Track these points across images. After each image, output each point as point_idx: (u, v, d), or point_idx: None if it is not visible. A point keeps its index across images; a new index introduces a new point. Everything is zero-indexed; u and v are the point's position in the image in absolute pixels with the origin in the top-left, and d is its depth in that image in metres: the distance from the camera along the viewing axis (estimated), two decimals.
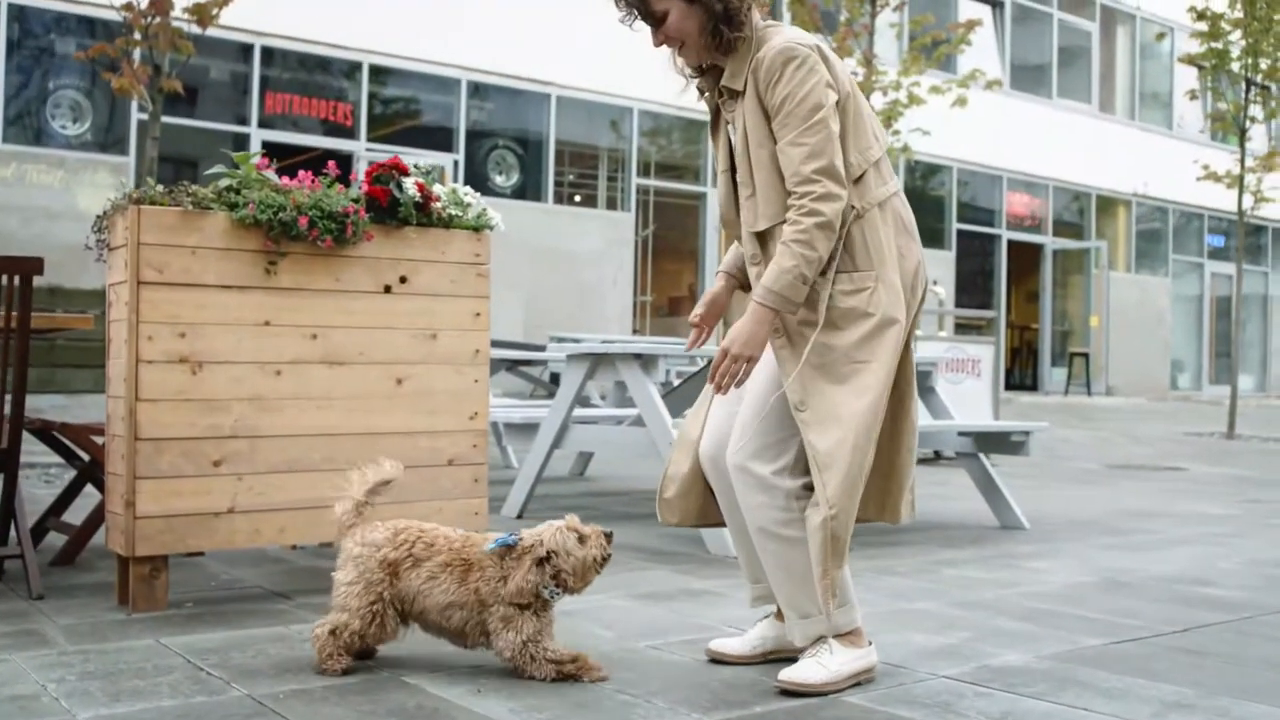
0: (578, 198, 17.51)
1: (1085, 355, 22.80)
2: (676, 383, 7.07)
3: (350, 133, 14.81)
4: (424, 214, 4.18)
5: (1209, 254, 26.87)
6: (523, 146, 16.66)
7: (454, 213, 4.26)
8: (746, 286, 3.20)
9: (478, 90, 16.14)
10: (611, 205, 17.78)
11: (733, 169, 3.13)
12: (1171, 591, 4.41)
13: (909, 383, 3.10)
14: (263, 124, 14.04)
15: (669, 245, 18.87)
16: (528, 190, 16.64)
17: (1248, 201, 16.49)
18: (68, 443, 4.72)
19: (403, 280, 4.13)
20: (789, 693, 2.91)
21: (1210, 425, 17.34)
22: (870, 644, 3.08)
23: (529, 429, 6.55)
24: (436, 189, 4.24)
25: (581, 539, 3.06)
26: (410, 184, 4.12)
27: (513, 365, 8.95)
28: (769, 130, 2.98)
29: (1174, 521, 6.51)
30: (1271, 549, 5.54)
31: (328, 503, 3.96)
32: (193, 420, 3.74)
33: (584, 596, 4.04)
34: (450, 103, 15.85)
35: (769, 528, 2.99)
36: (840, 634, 3.03)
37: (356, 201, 4.02)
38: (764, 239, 3.01)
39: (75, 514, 4.83)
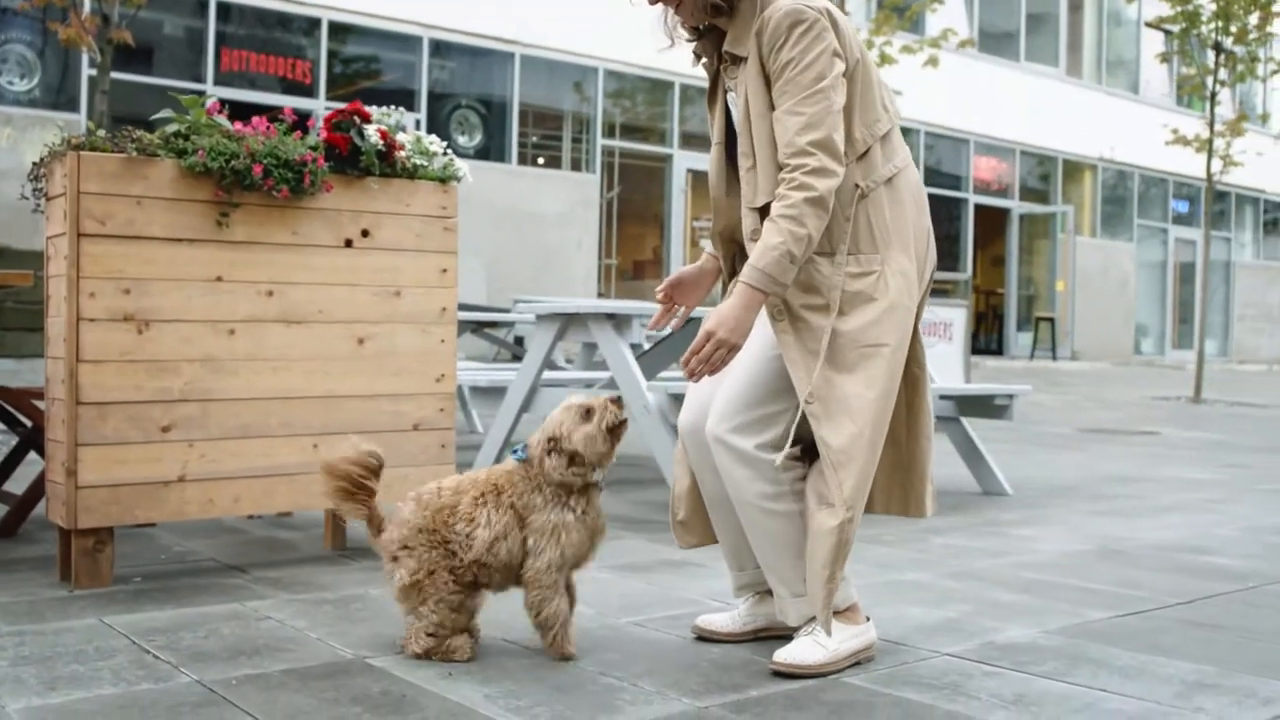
0: (541, 160, 17.20)
1: (1051, 320, 22.74)
2: (647, 346, 6.86)
3: (309, 91, 14.42)
4: (387, 164, 3.92)
5: (1173, 219, 26.87)
6: (486, 106, 16.33)
7: (419, 162, 4.00)
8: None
9: (439, 49, 15.77)
10: (576, 167, 17.49)
11: (728, 142, 2.90)
12: (1171, 560, 4.24)
13: (921, 367, 2.89)
14: (219, 82, 13.62)
15: (635, 208, 18.61)
16: (491, 151, 16.31)
17: (1216, 166, 16.41)
18: (8, 408, 4.45)
19: (364, 234, 3.88)
20: (785, 674, 2.70)
21: (1176, 390, 17.34)
22: (868, 620, 2.88)
23: (495, 393, 6.31)
24: (400, 137, 3.99)
25: (588, 412, 2.81)
26: (372, 131, 3.86)
27: (478, 327, 8.69)
28: (772, 99, 2.75)
29: (1158, 487, 6.37)
30: (1268, 515, 5.40)
31: (285, 470, 3.73)
32: (139, 383, 3.48)
33: None
34: (412, 61, 15.48)
35: (755, 502, 2.77)
36: (836, 611, 2.82)
37: (315, 149, 3.76)
38: (765, 214, 2.77)
39: (18, 484, 4.56)
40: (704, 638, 3.02)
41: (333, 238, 3.81)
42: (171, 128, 3.61)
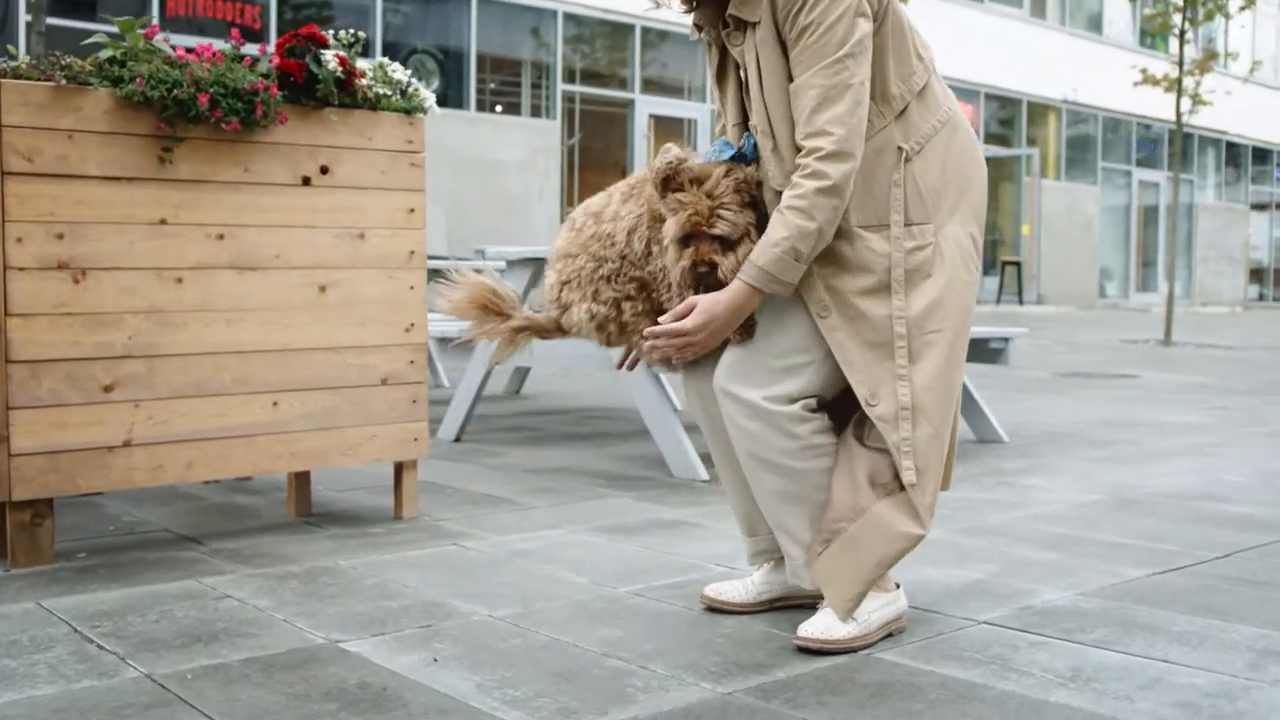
0: (499, 107, 16.76)
1: (1017, 264, 22.58)
2: None
3: (258, 38, 13.89)
4: (347, 93, 3.57)
5: (1137, 162, 26.75)
6: (442, 52, 15.85)
7: (382, 91, 3.65)
8: None
9: None
10: (536, 113, 17.06)
11: (745, 123, 2.56)
12: (1190, 510, 3.99)
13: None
14: (165, 28, 13.05)
15: (597, 155, 18.20)
16: (448, 98, 15.85)
17: (1185, 106, 16.19)
18: None
19: (324, 171, 3.53)
20: (812, 650, 2.42)
21: (1143, 332, 17.24)
22: (898, 586, 2.60)
23: (462, 345, 5.97)
24: (361, 64, 3.63)
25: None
26: (330, 57, 3.50)
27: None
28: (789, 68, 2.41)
29: (1152, 431, 6.14)
30: (1271, 460, 5.17)
31: (241, 430, 3.40)
32: (77, 338, 3.13)
33: (540, 533, 3.55)
34: (365, 6, 14.97)
35: (767, 456, 2.46)
36: None
37: (267, 77, 3.40)
38: None
39: None
40: (714, 609, 2.72)
41: (289, 175, 3.47)
42: (105, 54, 3.24)
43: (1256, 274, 31.59)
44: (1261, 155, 30.94)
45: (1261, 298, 31.51)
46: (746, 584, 2.74)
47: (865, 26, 2.36)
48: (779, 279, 2.36)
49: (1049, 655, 2.41)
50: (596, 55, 17.95)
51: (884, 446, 2.42)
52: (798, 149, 2.38)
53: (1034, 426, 6.28)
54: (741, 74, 2.54)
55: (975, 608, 2.75)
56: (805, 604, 2.71)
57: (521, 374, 8.01)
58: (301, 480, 3.84)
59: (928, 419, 2.41)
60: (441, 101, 15.76)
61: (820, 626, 2.44)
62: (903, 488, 2.41)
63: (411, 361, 3.74)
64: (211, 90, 3.25)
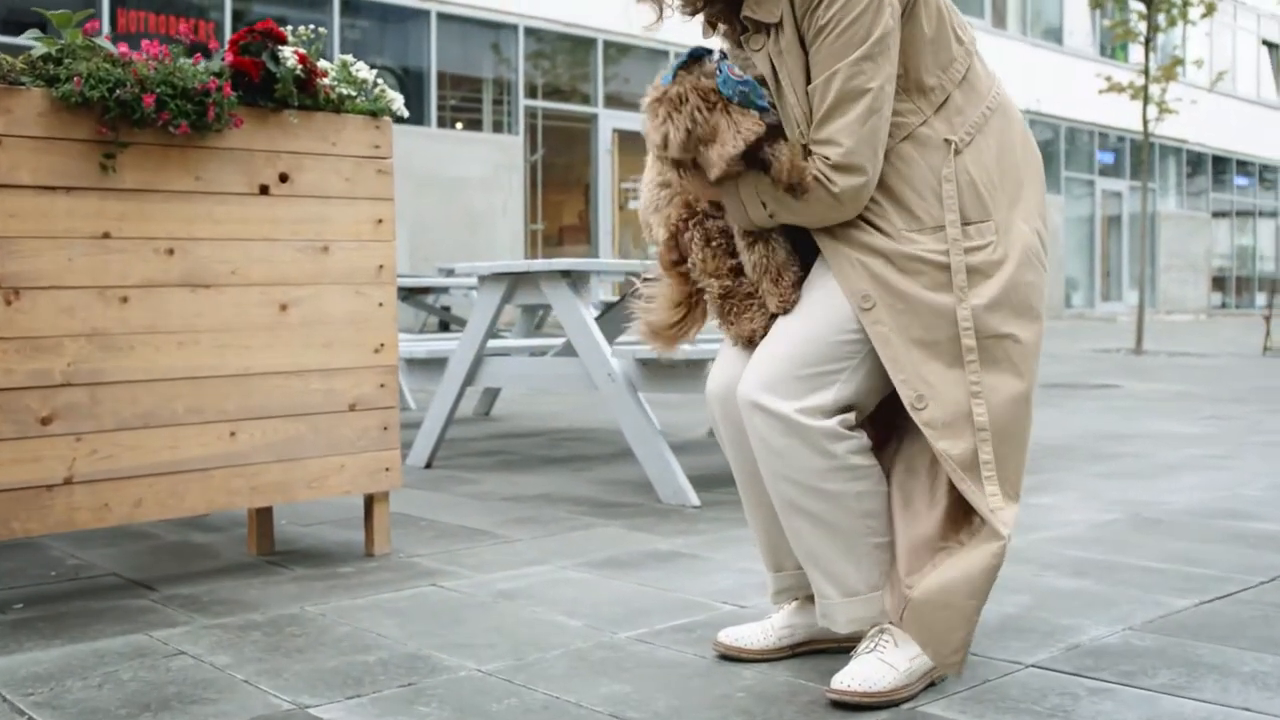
0: (459, 124, 16.46)
1: None
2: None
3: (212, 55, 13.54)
4: (307, 94, 3.27)
5: (1100, 171, 26.75)
6: (402, 68, 15.54)
7: (346, 92, 3.36)
8: None
9: (350, 7, 14.97)
10: (498, 129, 16.77)
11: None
12: (1217, 529, 3.74)
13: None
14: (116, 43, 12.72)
15: (560, 171, 17.94)
16: (409, 114, 15.54)
17: (1151, 113, 16.11)
18: None
19: (283, 178, 3.23)
20: (849, 705, 2.13)
21: (1113, 341, 17.16)
22: None
23: (432, 365, 5.67)
24: (323, 63, 3.34)
25: None
26: (289, 54, 3.20)
27: (407, 294, 8.03)
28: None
29: (1152, 443, 5.91)
30: None
31: (196, 464, 3.08)
32: (9, 365, 2.81)
33: (526, 570, 3.26)
34: (323, 20, 14.65)
35: (798, 478, 2.19)
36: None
37: (219, 76, 3.11)
38: None
39: None
40: (730, 656, 2.44)
41: (245, 183, 3.17)
42: (39, 50, 2.93)
43: (1219, 282, 31.67)
44: (1221, 163, 31.06)
45: (1224, 305, 31.59)
46: (765, 628, 2.45)
47: (889, 23, 2.10)
48: (746, 209, 2.22)
49: (1115, 705, 2.14)
50: (558, 70, 17.69)
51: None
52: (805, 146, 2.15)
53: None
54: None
55: (1018, 648, 2.48)
56: (832, 649, 2.43)
57: (491, 396, 7.71)
58: (263, 516, 3.53)
59: (1011, 436, 2.15)
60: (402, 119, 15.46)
61: (858, 676, 2.15)
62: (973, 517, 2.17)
63: (382, 385, 3.44)
64: (158, 90, 2.96)
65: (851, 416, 2.20)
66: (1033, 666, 2.36)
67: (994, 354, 2.18)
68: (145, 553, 3.54)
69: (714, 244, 2.33)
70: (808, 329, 2.21)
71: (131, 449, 2.97)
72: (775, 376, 2.20)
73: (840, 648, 2.43)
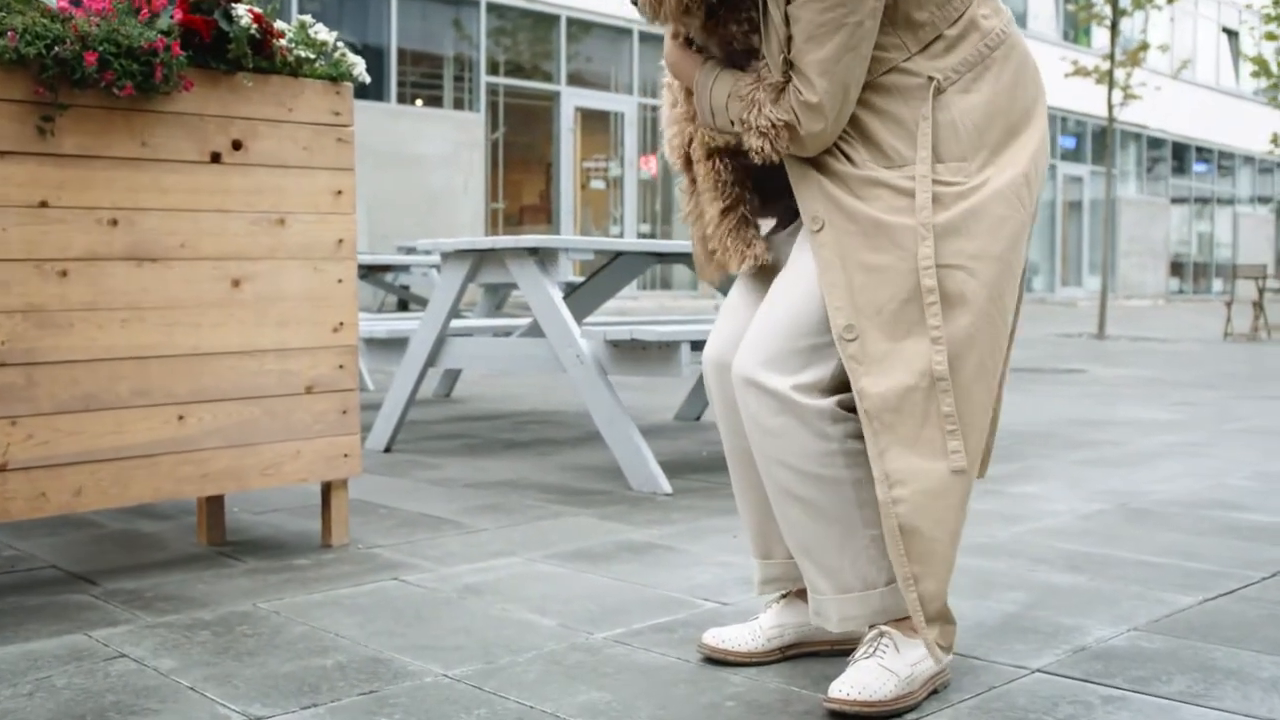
0: (419, 101, 16.18)
1: None
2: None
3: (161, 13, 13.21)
4: (263, 56, 3.07)
5: (1061, 155, 26.78)
6: (362, 43, 15.24)
7: (304, 55, 3.16)
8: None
9: None
10: (459, 106, 16.51)
11: None
12: (1207, 520, 3.62)
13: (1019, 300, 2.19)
14: None
15: (522, 149, 17.69)
16: (368, 90, 15.25)
17: (1116, 98, 16.08)
18: None
19: (236, 146, 3.03)
20: (849, 715, 1.98)
21: (1075, 326, 17.18)
22: None
23: (392, 345, 5.48)
24: (280, 24, 3.14)
25: None
26: (243, 12, 3.00)
27: (367, 272, 7.81)
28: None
29: (1128, 430, 5.80)
30: (1265, 460, 4.84)
31: (142, 450, 2.88)
32: None
33: (493, 563, 3.09)
34: None
35: (794, 463, 2.03)
36: (898, 619, 2.11)
37: (168, 35, 2.90)
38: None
39: None
40: (715, 660, 2.28)
41: (195, 150, 2.96)
42: None
43: (1177, 267, 31.84)
44: (1181, 150, 31.19)
45: (1182, 291, 31.77)
46: (753, 629, 2.29)
47: None
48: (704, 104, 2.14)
49: (1132, 715, 1.99)
50: (520, 47, 17.44)
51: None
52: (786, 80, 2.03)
53: (1003, 427, 5.91)
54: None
55: (1021, 651, 2.33)
56: (824, 653, 2.28)
57: (452, 377, 7.52)
58: (214, 504, 3.33)
59: (907, 366, 1.99)
60: (360, 93, 15.15)
61: (857, 684, 2.00)
62: None
63: (340, 366, 3.25)
64: (101, 49, 2.74)
65: (850, 397, 2.04)
66: (1039, 671, 2.21)
67: (945, 288, 2.00)
68: (88, 543, 3.33)
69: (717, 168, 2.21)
70: (801, 296, 2.05)
71: (71, 434, 2.77)
72: (770, 350, 2.04)
73: (833, 651, 2.28)
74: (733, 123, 2.08)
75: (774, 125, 2.01)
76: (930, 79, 2.02)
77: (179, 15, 2.93)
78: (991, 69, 2.06)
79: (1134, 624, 2.51)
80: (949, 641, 2.10)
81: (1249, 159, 34.03)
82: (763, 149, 2.03)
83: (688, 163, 2.28)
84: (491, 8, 16.67)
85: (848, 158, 2.04)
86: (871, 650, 2.06)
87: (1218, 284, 33.19)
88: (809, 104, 1.97)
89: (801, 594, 2.29)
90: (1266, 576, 2.93)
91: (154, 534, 3.46)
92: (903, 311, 1.99)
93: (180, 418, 2.94)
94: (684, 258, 5.48)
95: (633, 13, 18.02)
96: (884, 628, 2.10)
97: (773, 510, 2.17)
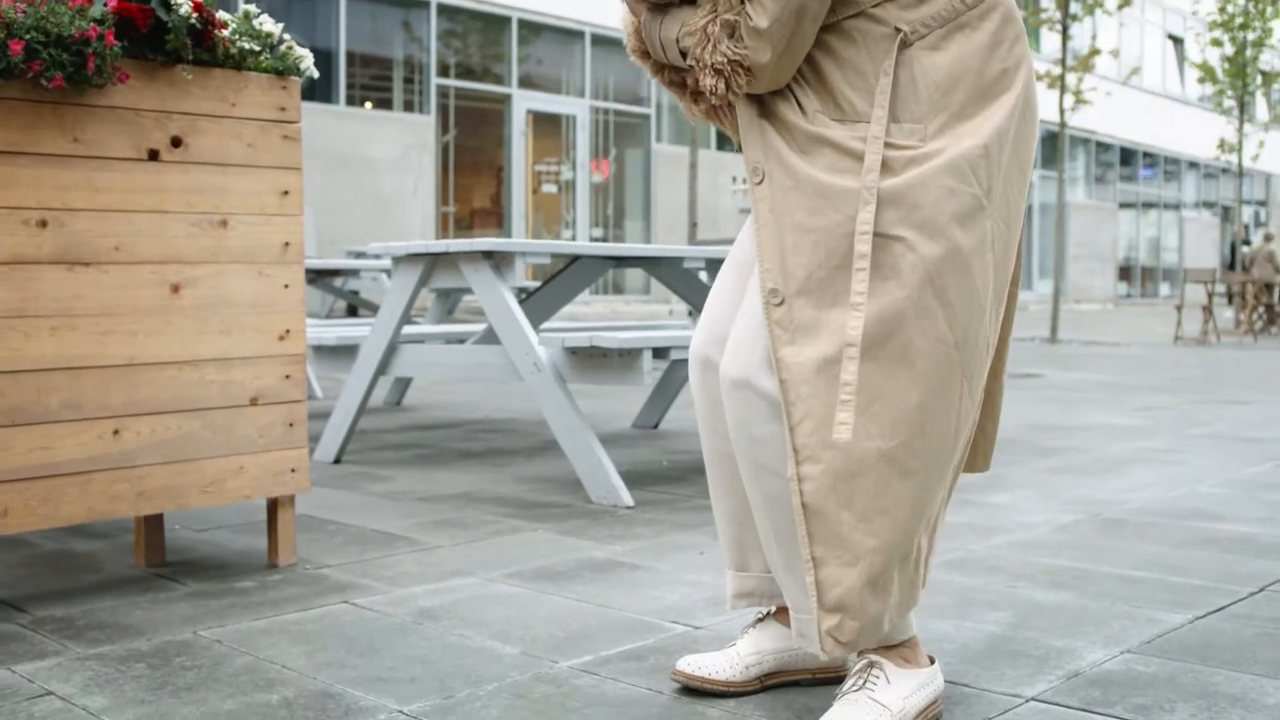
0: (369, 104, 15.95)
1: None
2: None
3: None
4: (204, 47, 2.90)
5: None
6: (310, 45, 15.00)
7: (248, 47, 2.99)
8: None
9: None
10: (410, 108, 16.28)
11: None
12: (1186, 531, 3.52)
13: (1015, 286, 2.05)
14: None
15: (472, 152, 17.49)
16: (316, 91, 15.02)
17: (1068, 103, 16.14)
18: None
19: (175, 143, 2.86)
20: None
21: (1027, 330, 17.23)
22: (933, 661, 2.04)
23: (342, 352, 5.30)
24: (222, 14, 2.97)
25: None
26: (183, 1, 2.83)
27: (315, 277, 7.61)
28: None
29: (1092, 437, 5.72)
30: (1235, 467, 4.77)
31: (74, 467, 2.70)
32: None
33: (449, 583, 2.93)
34: None
35: (781, 470, 1.89)
36: (889, 646, 1.98)
37: (101, 23, 2.72)
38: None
39: None
40: (692, 689, 2.13)
41: (131, 147, 2.79)
42: None
43: (1125, 272, 32.11)
44: (1128, 155, 31.45)
45: (1129, 295, 32.04)
46: (730, 656, 2.15)
47: None
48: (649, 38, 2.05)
49: None
50: (471, 50, 17.25)
51: None
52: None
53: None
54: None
55: (1013, 678, 2.21)
56: (807, 681, 2.14)
57: (402, 385, 7.33)
58: (152, 523, 3.15)
59: (830, 339, 1.83)
60: (308, 94, 14.90)
61: (846, 718, 1.86)
62: None
63: (287, 376, 3.08)
64: (28, 37, 2.57)
65: None
66: (1035, 700, 2.09)
67: (878, 258, 1.84)
68: (18, 564, 3.14)
69: None
70: None
71: None
72: (756, 347, 1.89)
73: (814, 680, 2.15)
74: (684, 55, 1.94)
75: (730, 62, 1.86)
76: (897, 30, 1.87)
77: (113, 3, 2.75)
78: (965, 28, 1.91)
79: (1126, 646, 2.39)
80: (918, 658, 1.97)
81: (1194, 164, 34.40)
82: (716, 88, 1.88)
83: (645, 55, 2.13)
84: (442, 9, 16.47)
85: (800, 105, 1.90)
86: (861, 682, 1.93)
87: (1165, 288, 33.51)
88: (757, 29, 1.82)
89: (780, 615, 2.15)
90: (1255, 591, 2.82)
91: (89, 554, 3.27)
92: (833, 279, 1.84)
93: (115, 432, 2.76)
94: (642, 261, 5.35)
95: (585, 15, 17.89)
96: (874, 656, 1.96)
97: (753, 520, 2.03)
